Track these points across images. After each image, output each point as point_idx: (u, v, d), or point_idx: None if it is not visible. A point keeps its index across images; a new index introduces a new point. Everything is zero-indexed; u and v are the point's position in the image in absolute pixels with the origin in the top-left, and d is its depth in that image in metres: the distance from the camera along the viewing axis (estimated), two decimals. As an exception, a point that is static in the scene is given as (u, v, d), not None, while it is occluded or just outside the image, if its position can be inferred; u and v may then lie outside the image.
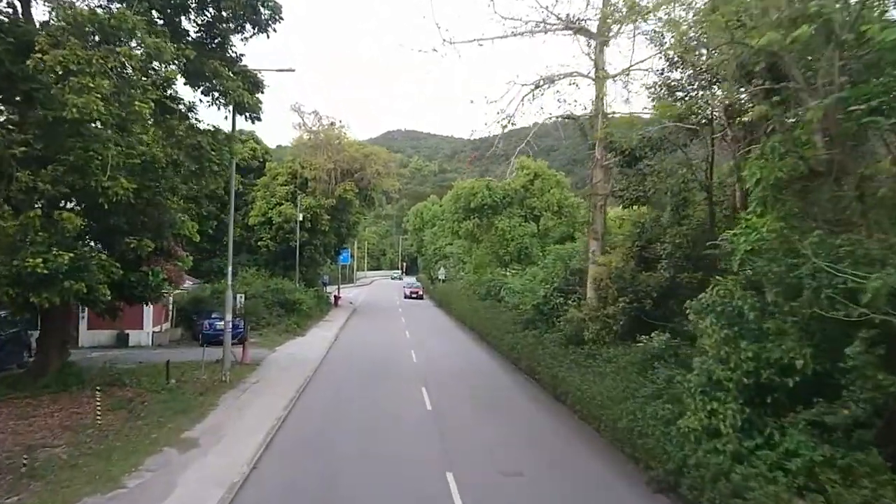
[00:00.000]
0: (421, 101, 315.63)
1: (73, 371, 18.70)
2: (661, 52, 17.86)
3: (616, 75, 20.54)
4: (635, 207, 19.78)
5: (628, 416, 12.81)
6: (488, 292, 37.71)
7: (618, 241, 22.44)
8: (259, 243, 45.72)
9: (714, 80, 14.23)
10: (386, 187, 52.37)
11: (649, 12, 16.65)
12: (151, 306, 26.36)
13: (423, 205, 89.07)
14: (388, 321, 44.68)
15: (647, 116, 17.70)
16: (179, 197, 18.90)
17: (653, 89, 17.73)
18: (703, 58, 15.86)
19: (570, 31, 21.27)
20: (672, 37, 16.94)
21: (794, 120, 9.79)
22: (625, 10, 18.07)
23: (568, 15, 20.87)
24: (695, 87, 14.14)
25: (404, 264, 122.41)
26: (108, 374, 19.19)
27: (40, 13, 17.37)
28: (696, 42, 16.19)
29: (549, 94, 23.04)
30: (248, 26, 19.17)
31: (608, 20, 20.35)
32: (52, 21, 15.30)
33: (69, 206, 16.51)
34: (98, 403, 14.82)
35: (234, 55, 19.32)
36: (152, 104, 14.95)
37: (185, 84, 18.82)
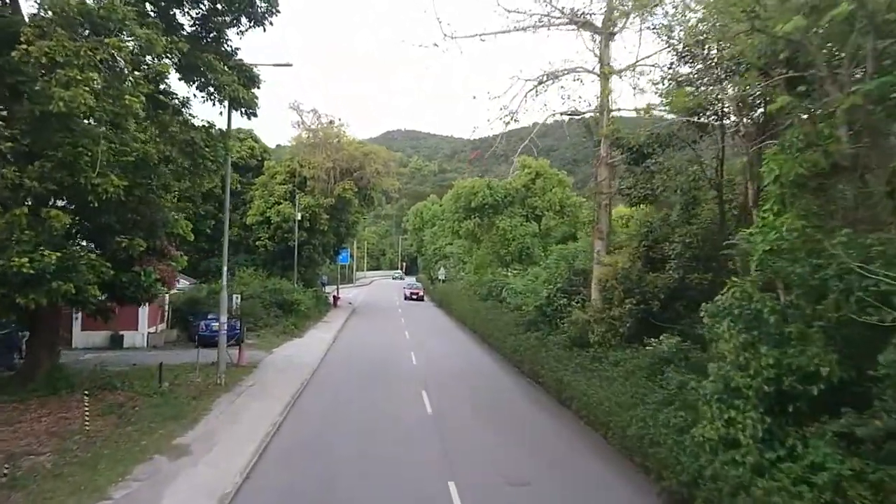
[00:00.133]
0: (421, 97, 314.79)
1: (63, 374, 18.11)
2: (669, 47, 17.39)
3: (622, 70, 20.05)
4: (641, 206, 19.24)
5: (638, 423, 12.28)
6: (489, 293, 37.20)
7: (622, 240, 21.94)
8: (257, 243, 45.19)
9: (728, 73, 13.66)
10: (385, 187, 51.81)
11: (657, 4, 16.18)
12: (147, 307, 25.83)
13: (423, 204, 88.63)
14: (388, 322, 44.14)
15: (656, 112, 17.16)
16: (173, 195, 18.36)
17: (661, 84, 17.21)
18: (714, 51, 15.38)
19: (574, 26, 20.77)
20: (681, 30, 16.51)
21: (820, 111, 9.24)
22: (631, 2, 17.62)
23: (573, 9, 20.40)
24: (705, 81, 13.60)
25: (404, 264, 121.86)
26: (99, 377, 18.63)
27: (29, 6, 16.88)
28: (706, 36, 15.74)
29: (553, 91, 22.66)
30: (243, 19, 18.63)
31: (614, 13, 19.89)
32: (40, 12, 14.77)
33: (59, 203, 16.04)
34: (86, 409, 14.25)
35: (229, 49, 18.77)
36: (143, 98, 14.41)
37: (179, 80, 18.33)
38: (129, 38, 14.48)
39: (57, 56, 12.84)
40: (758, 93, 13.33)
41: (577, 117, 20.95)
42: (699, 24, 15.84)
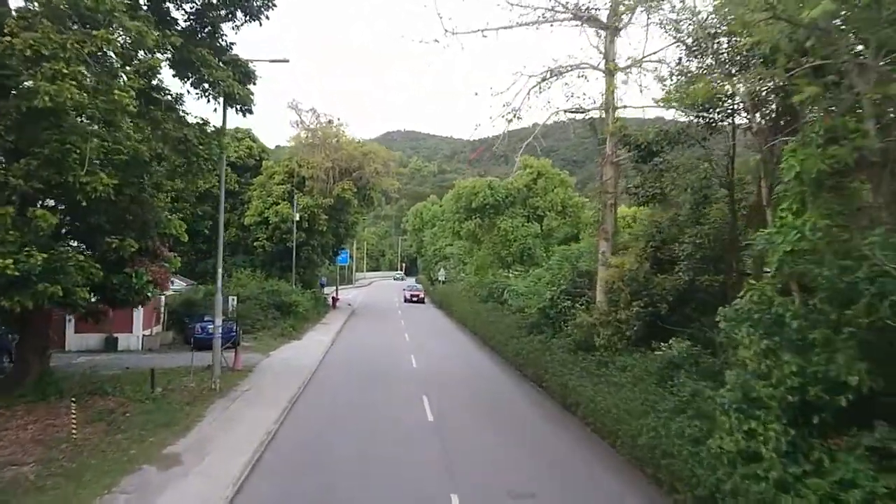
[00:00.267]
0: (420, 93, 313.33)
1: (53, 379, 17.53)
2: (677, 41, 16.86)
3: (628, 67, 19.56)
4: (648, 206, 18.70)
5: (649, 432, 11.72)
6: (490, 294, 36.65)
7: (626, 241, 21.41)
8: (255, 244, 44.61)
9: (741, 66, 13.11)
10: (385, 187, 51.23)
11: (665, -3, 15.69)
12: (142, 309, 25.30)
13: (423, 205, 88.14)
14: (387, 323, 43.59)
15: (666, 109, 16.66)
16: (166, 194, 17.82)
17: (669, 80, 16.66)
18: (725, 45, 14.85)
19: (578, 22, 20.27)
20: (690, 24, 15.99)
21: (849, 100, 8.70)
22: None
23: (577, 3, 19.88)
24: (716, 75, 13.05)
25: (404, 265, 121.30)
26: (90, 381, 18.07)
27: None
28: (716, 29, 15.22)
29: (557, 88, 22.14)
30: (239, 14, 18.11)
31: (619, 8, 19.39)
32: (27, 4, 14.24)
33: (49, 202, 15.53)
34: (73, 416, 13.69)
35: (224, 44, 18.22)
36: (134, 94, 13.88)
37: (174, 76, 17.81)
38: (119, 32, 14.00)
39: (42, 49, 12.33)
40: (772, 86, 12.80)
41: (581, 115, 20.41)
42: (709, 17, 15.41)
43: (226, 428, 15.17)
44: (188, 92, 17.51)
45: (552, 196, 43.23)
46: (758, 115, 13.79)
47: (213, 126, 18.06)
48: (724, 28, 15.15)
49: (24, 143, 13.92)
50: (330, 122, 47.45)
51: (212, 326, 23.07)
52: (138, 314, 26.69)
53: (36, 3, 13.24)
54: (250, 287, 36.74)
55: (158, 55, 15.54)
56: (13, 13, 14.71)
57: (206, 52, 16.73)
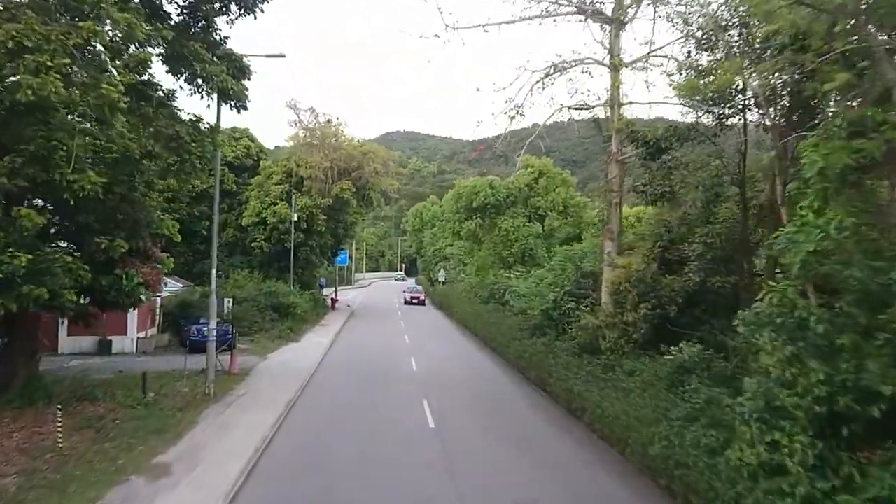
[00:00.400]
0: (420, 90, 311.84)
1: (42, 384, 16.95)
2: (684, 36, 16.36)
3: (634, 62, 19.02)
4: (656, 205, 18.16)
5: (662, 440, 11.18)
6: (491, 295, 36.10)
7: (631, 241, 20.88)
8: (253, 244, 44.05)
9: (755, 60, 12.57)
10: (384, 187, 50.60)
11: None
12: (136, 311, 24.74)
13: (423, 205, 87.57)
14: (387, 325, 43.03)
15: (673, 104, 16.15)
16: (158, 193, 17.26)
17: (677, 75, 16.16)
18: (736, 37, 14.35)
19: (581, 16, 19.74)
20: (700, 16, 15.49)
21: (878, 89, 8.17)
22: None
23: (581, -4, 19.35)
24: (736, 62, 12.46)
25: (403, 266, 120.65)
26: (80, 386, 17.49)
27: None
28: (728, 22, 14.71)
29: (560, 85, 21.58)
30: (233, 7, 17.57)
31: (625, 1, 18.89)
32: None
33: (37, 202, 14.99)
34: (59, 423, 13.12)
35: (217, 38, 17.67)
36: (122, 88, 13.34)
37: (167, 72, 17.29)
38: (108, 24, 13.46)
39: (25, 41, 11.81)
40: (787, 79, 12.27)
41: (585, 110, 19.87)
42: (720, 9, 14.90)
43: (219, 434, 14.63)
44: (181, 88, 16.99)
45: (554, 196, 42.70)
46: (772, 109, 13.26)
47: (208, 123, 17.52)
48: (736, 21, 14.72)
49: (8, 139, 13.42)
50: (329, 121, 46.97)
51: (207, 329, 22.55)
52: (133, 316, 26.13)
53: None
54: (247, 288, 36.20)
55: (150, 49, 15.02)
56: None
57: (200, 47, 16.21)
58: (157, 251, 17.93)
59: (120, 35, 13.69)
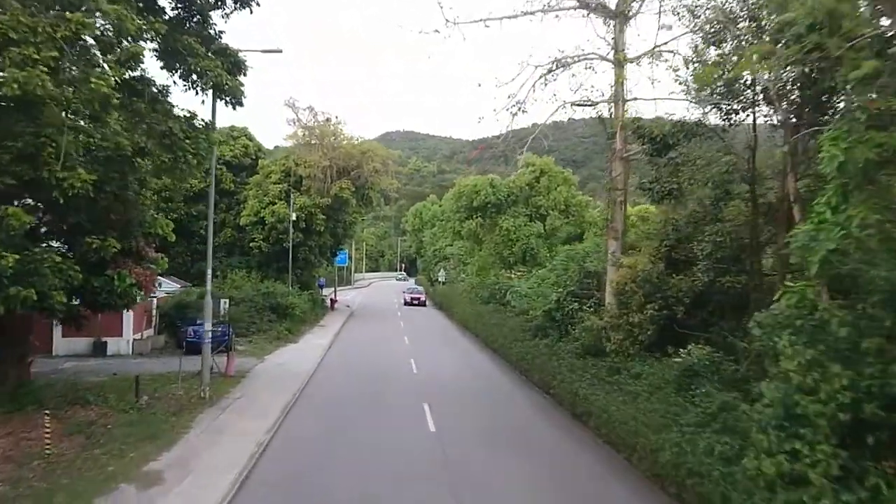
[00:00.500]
0: (420, 87, 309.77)
1: (32, 388, 16.54)
2: (690, 30, 15.95)
3: (639, 57, 18.60)
4: (661, 203, 17.73)
5: (672, 447, 10.75)
6: (492, 295, 35.70)
7: (634, 240, 20.47)
8: (251, 244, 43.57)
9: (764, 56, 12.12)
10: (384, 186, 50.09)
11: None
12: (131, 312, 24.32)
13: (423, 205, 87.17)
14: (387, 326, 42.58)
15: (680, 99, 15.73)
16: (152, 192, 16.82)
17: (683, 70, 15.75)
18: (745, 30, 13.93)
19: (585, 11, 19.33)
20: (707, 9, 15.08)
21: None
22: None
23: (584, -9, 18.93)
24: (753, 49, 11.99)
25: (403, 266, 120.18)
26: (73, 390, 17.06)
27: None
28: (735, 14, 14.32)
29: (563, 81, 21.02)
30: (229, 1, 17.13)
31: (630, -6, 18.49)
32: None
33: (27, 201, 14.56)
34: (48, 429, 12.69)
35: (212, 33, 17.23)
36: (113, 83, 12.91)
37: (161, 68, 16.84)
38: (97, 16, 13.03)
39: (10, 32, 11.38)
40: (800, 71, 11.85)
41: (588, 106, 19.44)
42: (729, 1, 14.50)
43: (214, 441, 14.19)
44: (174, 83, 16.53)
45: (555, 195, 42.29)
46: (783, 104, 12.84)
47: (203, 120, 17.08)
48: (745, 13, 14.31)
49: (-7, 135, 12.98)
50: (328, 119, 46.51)
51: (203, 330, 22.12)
52: (128, 317, 25.71)
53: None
54: (245, 289, 35.75)
55: (143, 44, 14.59)
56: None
57: (194, 41, 15.77)
58: (151, 251, 17.48)
59: (111, 28, 13.29)
